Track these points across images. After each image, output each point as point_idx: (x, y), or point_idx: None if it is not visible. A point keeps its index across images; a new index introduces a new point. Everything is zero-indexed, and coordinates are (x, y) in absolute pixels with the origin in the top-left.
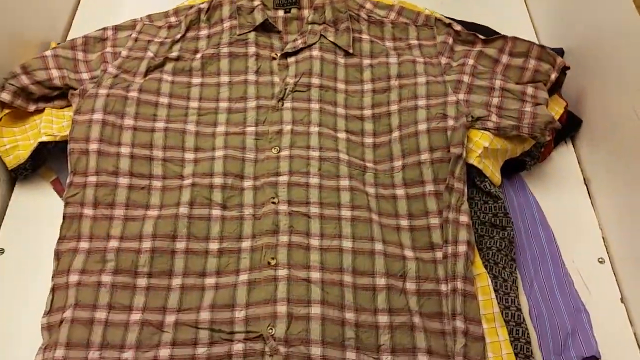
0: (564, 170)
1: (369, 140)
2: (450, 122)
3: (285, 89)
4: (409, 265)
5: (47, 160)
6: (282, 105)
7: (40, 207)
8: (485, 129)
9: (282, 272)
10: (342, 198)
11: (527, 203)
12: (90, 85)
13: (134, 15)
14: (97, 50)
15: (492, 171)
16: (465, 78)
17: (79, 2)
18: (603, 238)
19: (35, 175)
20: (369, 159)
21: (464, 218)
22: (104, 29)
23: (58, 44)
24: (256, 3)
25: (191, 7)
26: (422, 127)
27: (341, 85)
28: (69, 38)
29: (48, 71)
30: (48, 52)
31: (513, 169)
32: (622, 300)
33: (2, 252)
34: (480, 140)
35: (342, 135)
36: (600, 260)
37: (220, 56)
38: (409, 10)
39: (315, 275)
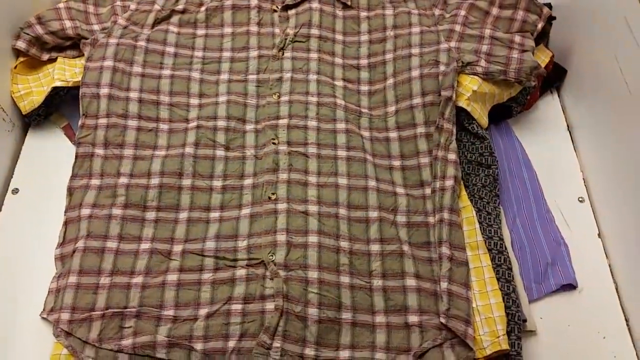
0: (548, 118)
1: (364, 88)
2: (442, 68)
3: (286, 39)
4: (399, 200)
5: (59, 106)
6: (283, 54)
7: (52, 151)
8: (474, 74)
9: (281, 206)
10: (338, 139)
11: (512, 146)
12: (101, 35)
13: None
14: (107, 4)
15: (480, 114)
16: (457, 27)
17: None
18: (584, 179)
19: (47, 121)
20: (365, 105)
21: (452, 156)
22: None
23: None
24: None
25: None
26: (415, 73)
27: (339, 37)
28: None
29: (61, 22)
30: (61, 5)
31: (500, 115)
32: (599, 235)
33: (17, 192)
34: (470, 84)
35: (339, 83)
36: (580, 199)
37: (224, 8)
38: None
39: (312, 208)
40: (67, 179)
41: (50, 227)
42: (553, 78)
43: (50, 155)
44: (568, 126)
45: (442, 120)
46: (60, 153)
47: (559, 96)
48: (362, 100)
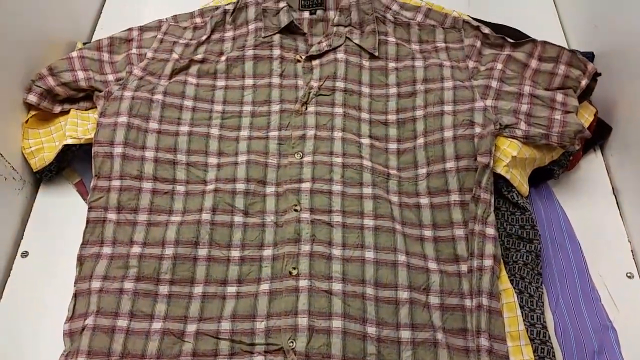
0: (592, 180)
1: (393, 146)
2: (478, 130)
3: (309, 93)
4: (432, 278)
5: (71, 162)
6: (306, 109)
7: (64, 210)
8: (513, 137)
9: (303, 283)
10: (365, 206)
11: (554, 214)
12: (116, 88)
13: (158, 15)
14: (123, 51)
15: (520, 181)
16: (494, 83)
17: (104, 2)
18: (632, 252)
19: (60, 177)
20: (393, 165)
21: (490, 230)
22: (130, 29)
23: (84, 44)
24: (282, 5)
25: (217, 8)
26: (448, 134)
27: (365, 89)
28: (94, 38)
29: (74, 72)
30: (74, 54)
31: (540, 177)
32: None
33: (26, 255)
34: (509, 148)
35: (365, 140)
36: (628, 275)
37: (245, 59)
38: (436, 12)
39: (336, 286)
40: (79, 240)
41: (60, 294)
42: (597, 135)
43: (62, 215)
44: (613, 189)
45: (479, 190)
46: (73, 211)
47: (602, 155)
48: (390, 160)
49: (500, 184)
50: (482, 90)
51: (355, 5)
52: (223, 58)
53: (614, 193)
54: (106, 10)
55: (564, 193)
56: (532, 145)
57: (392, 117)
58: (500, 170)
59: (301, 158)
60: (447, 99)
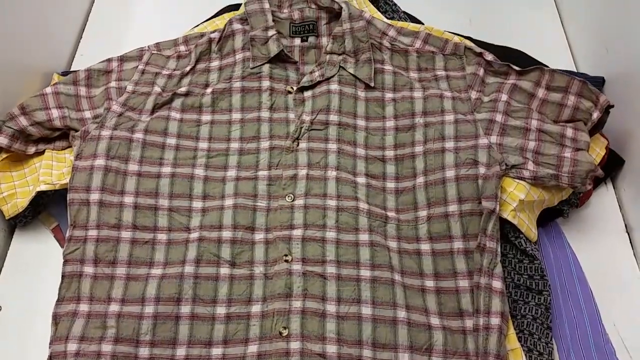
0: (603, 216)
1: (391, 185)
2: (482, 170)
3: (301, 128)
4: (435, 337)
5: (47, 205)
6: (298, 145)
7: (40, 258)
8: (520, 178)
9: (295, 345)
10: (361, 255)
11: (564, 256)
12: (93, 126)
13: (140, 41)
14: (101, 84)
15: (528, 226)
16: (498, 117)
17: (83, 29)
18: None
19: (36, 221)
20: (391, 207)
21: (497, 284)
22: (109, 60)
23: (62, 73)
24: (271, 33)
25: (202, 35)
26: (450, 173)
27: (361, 122)
28: (74, 65)
29: (48, 111)
30: (48, 89)
31: (548, 215)
32: None
33: None
34: (516, 191)
35: (361, 179)
36: None
37: (232, 91)
38: (436, 38)
39: (331, 349)
40: (56, 292)
41: (35, 355)
42: (608, 169)
43: (39, 264)
44: (626, 226)
45: (485, 238)
46: (50, 260)
47: (614, 189)
48: (388, 201)
49: (507, 229)
50: (485, 125)
51: (350, 32)
52: (209, 90)
53: (627, 231)
54: (86, 35)
55: (574, 231)
56: (540, 186)
57: (389, 153)
58: (507, 215)
59: (292, 201)
60: (449, 134)
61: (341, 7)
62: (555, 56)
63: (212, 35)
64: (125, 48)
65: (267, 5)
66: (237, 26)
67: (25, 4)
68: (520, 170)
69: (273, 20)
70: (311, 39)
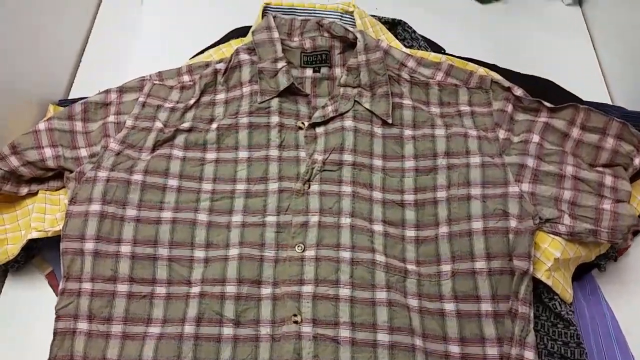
0: None
1: (410, 233)
2: (513, 223)
3: (313, 169)
4: None
5: (41, 250)
6: (309, 188)
7: (34, 307)
8: (555, 234)
9: None
10: (378, 316)
11: (600, 315)
12: (89, 167)
13: (142, 66)
14: (99, 117)
15: (564, 286)
16: (530, 161)
17: (82, 53)
18: None
19: (29, 265)
20: (411, 258)
21: (530, 354)
22: (107, 91)
23: (60, 101)
24: (280, 65)
25: (207, 65)
26: (477, 225)
27: (378, 162)
28: (72, 93)
29: (40, 150)
30: (41, 125)
31: (583, 268)
32: None
33: None
34: (550, 248)
35: (378, 227)
36: None
37: (239, 127)
38: (460, 70)
39: None
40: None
41: None
42: None
43: (32, 313)
44: None
45: (516, 302)
46: (44, 308)
47: None
48: (407, 252)
49: (540, 289)
50: (516, 171)
51: (365, 64)
52: (214, 126)
53: None
54: (85, 59)
55: (611, 284)
56: (577, 241)
57: (409, 198)
58: (542, 275)
59: (302, 251)
60: (474, 179)
61: (356, 37)
62: (588, 86)
63: (218, 66)
64: (126, 73)
65: (276, 35)
66: (244, 57)
67: (20, 27)
68: (555, 224)
69: (283, 50)
70: (324, 70)
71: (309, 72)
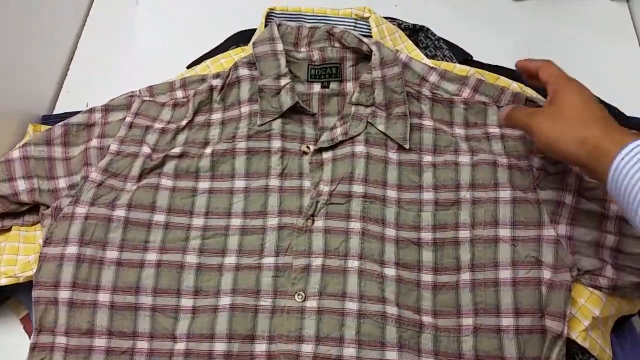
0: None
1: (427, 277)
2: (547, 274)
3: (317, 202)
4: None
5: (16, 290)
6: (312, 224)
7: (7, 350)
8: (595, 287)
9: None
10: None
11: None
12: (66, 201)
13: (134, 75)
14: (81, 141)
15: (601, 347)
16: (568, 198)
17: (70, 62)
18: None
19: (3, 307)
20: (427, 308)
21: None
22: (91, 110)
23: (43, 117)
24: (283, 82)
25: (202, 79)
26: (505, 274)
27: (392, 193)
28: (58, 106)
29: (13, 183)
30: (15, 153)
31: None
32: None
33: None
34: (589, 304)
35: (390, 271)
36: None
37: (236, 152)
38: (489, 85)
39: None
40: None
41: None
42: None
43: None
44: None
45: None
46: (19, 354)
47: None
48: (423, 300)
49: (574, 350)
50: (552, 209)
51: (381, 81)
52: (208, 151)
53: None
54: (74, 67)
55: None
56: (620, 295)
57: (426, 236)
58: (577, 336)
59: (303, 301)
60: (504, 218)
61: (371, 50)
62: (634, 93)
63: (214, 82)
64: (118, 83)
65: (280, 47)
66: (243, 72)
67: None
68: (596, 277)
69: (288, 61)
70: (333, 85)
71: (316, 87)
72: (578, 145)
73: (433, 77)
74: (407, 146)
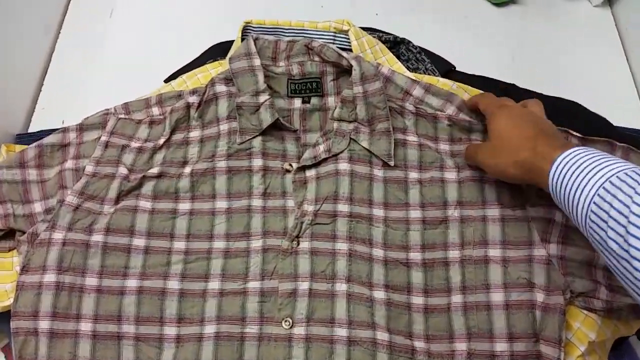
0: None
1: (418, 300)
2: (540, 297)
3: (302, 222)
4: None
5: None
6: (298, 245)
7: None
8: (589, 310)
9: None
10: None
11: None
12: (43, 227)
13: (109, 95)
14: (56, 162)
15: None
16: (558, 215)
17: (44, 77)
18: None
19: None
20: (419, 332)
21: None
22: (64, 130)
23: (17, 136)
24: (262, 99)
25: (179, 95)
26: (498, 297)
27: (378, 212)
28: (32, 124)
29: None
30: None
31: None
32: None
33: None
34: (584, 328)
35: (379, 294)
36: None
37: (216, 172)
38: None
39: None
40: None
41: None
42: None
43: None
44: None
45: None
46: None
47: None
48: (414, 324)
49: None
50: (542, 227)
51: (363, 98)
52: (187, 170)
53: None
54: (48, 83)
55: None
56: (615, 317)
57: (415, 257)
58: None
59: (290, 327)
60: (493, 237)
61: (351, 65)
62: (619, 99)
63: (190, 100)
64: (93, 97)
65: (257, 62)
66: (220, 88)
67: None
68: (590, 299)
69: (266, 76)
70: (314, 100)
71: (297, 102)
72: (516, 169)
73: (417, 91)
74: (391, 163)
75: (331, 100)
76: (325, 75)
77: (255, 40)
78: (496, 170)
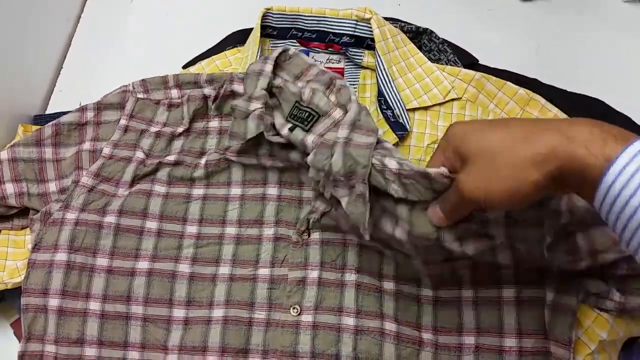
0: None
1: (428, 292)
2: (550, 295)
3: (313, 215)
4: None
5: (6, 295)
6: (309, 236)
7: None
8: (602, 310)
9: None
10: None
11: None
12: (56, 206)
13: (124, 79)
14: (73, 142)
15: None
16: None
17: (63, 60)
18: None
19: None
20: (427, 323)
21: None
22: (83, 109)
23: (35, 117)
24: (253, 107)
25: (195, 81)
26: (508, 293)
27: None
28: (50, 106)
29: (1, 187)
30: (3, 155)
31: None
32: None
33: None
34: (595, 326)
35: (389, 285)
36: None
37: (232, 163)
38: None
39: None
40: None
41: None
42: None
43: None
44: None
45: None
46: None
47: None
48: (423, 316)
49: None
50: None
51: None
52: (203, 160)
53: None
54: (67, 66)
55: None
56: (628, 316)
57: None
58: None
59: (298, 315)
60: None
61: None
62: None
63: (206, 91)
64: (111, 81)
65: (268, 68)
66: (238, 87)
67: None
68: (603, 300)
69: (277, 90)
70: (297, 132)
71: (285, 128)
72: (541, 167)
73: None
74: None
75: (310, 139)
76: (326, 117)
77: (287, 53)
78: (500, 190)
